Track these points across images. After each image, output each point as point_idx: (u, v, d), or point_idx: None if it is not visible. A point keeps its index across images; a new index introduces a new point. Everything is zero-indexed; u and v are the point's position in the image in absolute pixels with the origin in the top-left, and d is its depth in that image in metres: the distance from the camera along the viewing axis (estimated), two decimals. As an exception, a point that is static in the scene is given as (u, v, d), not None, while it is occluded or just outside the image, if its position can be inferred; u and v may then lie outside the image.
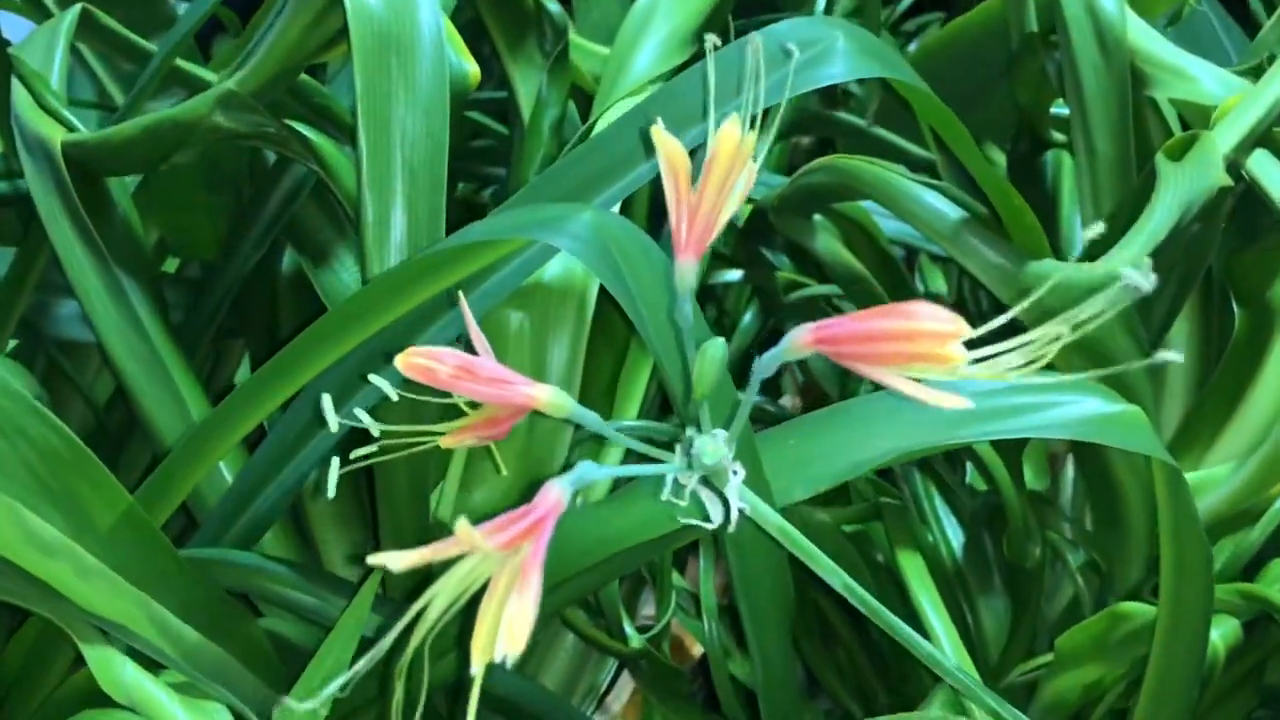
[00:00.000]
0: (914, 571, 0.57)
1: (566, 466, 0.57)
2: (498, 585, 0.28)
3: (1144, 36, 0.65)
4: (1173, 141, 0.59)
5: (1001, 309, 0.30)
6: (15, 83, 0.62)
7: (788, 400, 0.86)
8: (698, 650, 0.71)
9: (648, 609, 0.71)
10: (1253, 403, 0.63)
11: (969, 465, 0.70)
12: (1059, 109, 0.77)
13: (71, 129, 0.60)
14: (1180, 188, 0.56)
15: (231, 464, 0.58)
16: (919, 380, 0.28)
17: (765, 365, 0.29)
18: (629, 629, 0.60)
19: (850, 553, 0.57)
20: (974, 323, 0.28)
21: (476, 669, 0.28)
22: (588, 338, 0.54)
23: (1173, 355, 0.29)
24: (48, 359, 0.67)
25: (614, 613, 0.60)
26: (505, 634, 0.26)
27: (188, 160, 0.59)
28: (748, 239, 0.73)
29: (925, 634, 0.56)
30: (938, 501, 0.68)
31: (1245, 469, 0.60)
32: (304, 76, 0.58)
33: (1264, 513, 0.59)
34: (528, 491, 0.52)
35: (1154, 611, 0.50)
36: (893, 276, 0.64)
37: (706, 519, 0.32)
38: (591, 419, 0.31)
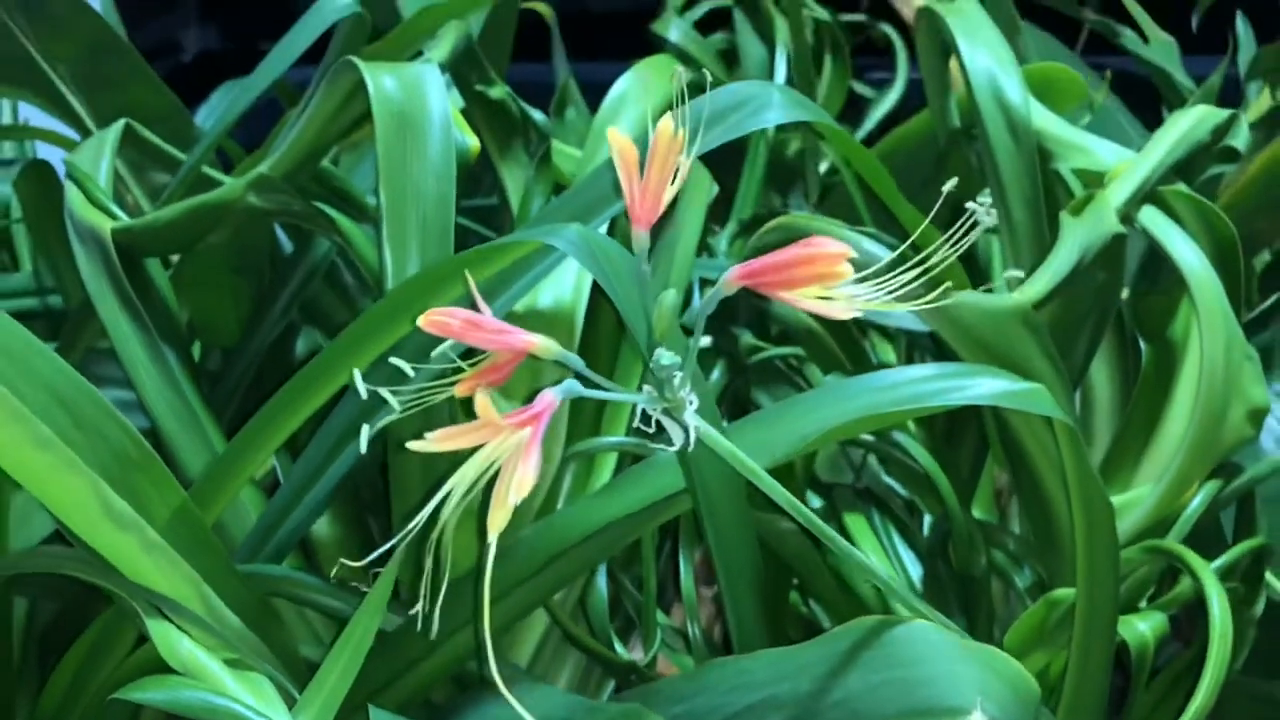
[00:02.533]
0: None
1: (562, 466, 0.64)
2: (508, 471, 0.35)
3: (1048, 121, 0.76)
4: (1074, 202, 0.69)
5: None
6: (68, 184, 0.71)
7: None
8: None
9: (636, 653, 0.77)
10: (1166, 428, 0.71)
11: (924, 517, 0.78)
12: (985, 198, 0.88)
13: (117, 219, 0.69)
14: (1079, 235, 0.66)
15: (254, 504, 0.65)
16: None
17: (708, 302, 0.38)
18: (620, 648, 0.66)
19: (809, 554, 0.63)
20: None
21: (493, 536, 0.35)
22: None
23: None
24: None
25: (604, 635, 0.66)
26: (514, 488, 0.33)
27: (221, 240, 0.67)
28: (714, 314, 0.82)
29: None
30: (896, 538, 0.76)
31: (1161, 484, 0.68)
32: (325, 164, 0.68)
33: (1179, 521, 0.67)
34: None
35: (1080, 593, 0.57)
36: (844, 334, 0.73)
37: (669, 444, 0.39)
38: (575, 361, 0.39)
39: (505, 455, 0.35)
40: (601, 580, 0.69)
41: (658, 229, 0.40)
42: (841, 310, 0.36)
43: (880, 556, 0.70)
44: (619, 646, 0.66)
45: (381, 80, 0.57)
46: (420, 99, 0.57)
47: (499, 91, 0.76)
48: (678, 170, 0.38)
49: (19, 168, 0.83)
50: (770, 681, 0.44)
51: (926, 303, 0.38)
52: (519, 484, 0.34)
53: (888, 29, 1.50)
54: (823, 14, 1.27)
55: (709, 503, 0.49)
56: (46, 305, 0.93)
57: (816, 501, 0.73)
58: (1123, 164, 0.70)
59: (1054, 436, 0.62)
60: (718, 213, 1.04)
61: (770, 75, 1.13)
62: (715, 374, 0.79)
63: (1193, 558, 0.57)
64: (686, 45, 1.11)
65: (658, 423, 0.39)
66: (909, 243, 0.40)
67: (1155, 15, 1.44)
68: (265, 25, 1.06)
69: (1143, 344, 0.72)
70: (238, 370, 0.77)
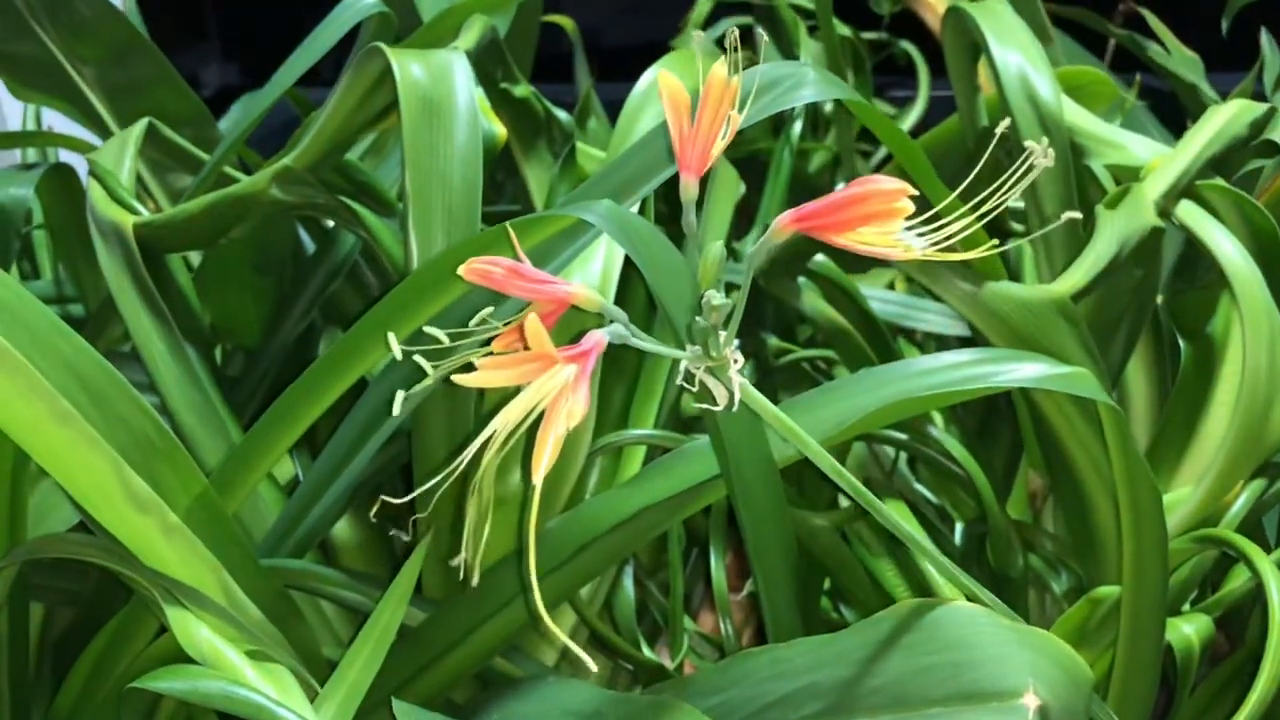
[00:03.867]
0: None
1: (585, 472, 0.63)
2: (552, 415, 0.34)
3: (1079, 116, 0.75)
4: (1110, 195, 0.68)
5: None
6: (91, 181, 0.70)
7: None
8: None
9: (663, 658, 0.75)
10: (1206, 428, 0.70)
11: (956, 525, 0.76)
12: (1016, 203, 0.86)
13: (139, 215, 0.68)
14: (1117, 227, 0.64)
15: (274, 504, 0.64)
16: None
17: (756, 254, 0.36)
18: (647, 650, 0.64)
19: (843, 552, 0.62)
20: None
21: (537, 480, 0.34)
22: (600, 372, 0.61)
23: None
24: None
25: (631, 636, 0.64)
26: (565, 417, 0.32)
27: (243, 235, 0.67)
28: (741, 317, 0.81)
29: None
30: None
31: (1202, 485, 0.66)
32: (348, 158, 0.67)
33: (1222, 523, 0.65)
34: (555, 476, 0.58)
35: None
36: (871, 327, 0.71)
37: (714, 403, 0.38)
38: (619, 314, 0.37)
39: (550, 396, 0.34)
40: (628, 582, 0.67)
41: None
42: (898, 253, 0.35)
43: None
44: (646, 650, 0.65)
45: (408, 66, 0.56)
46: (447, 85, 0.57)
47: (523, 90, 0.75)
48: (728, 123, 0.37)
49: (41, 172, 0.83)
50: (808, 669, 0.43)
51: (982, 251, 0.37)
52: (570, 414, 0.33)
53: (909, 46, 1.50)
54: (844, 30, 1.27)
55: (743, 487, 0.47)
56: (67, 313, 0.92)
57: (845, 503, 0.72)
58: (1158, 159, 0.69)
59: (1094, 432, 0.61)
60: (741, 226, 1.04)
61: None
62: (743, 377, 0.77)
63: (1248, 545, 0.55)
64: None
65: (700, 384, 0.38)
66: (953, 197, 0.38)
67: (1179, 34, 1.44)
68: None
69: (1181, 342, 0.70)
70: (259, 370, 0.76)
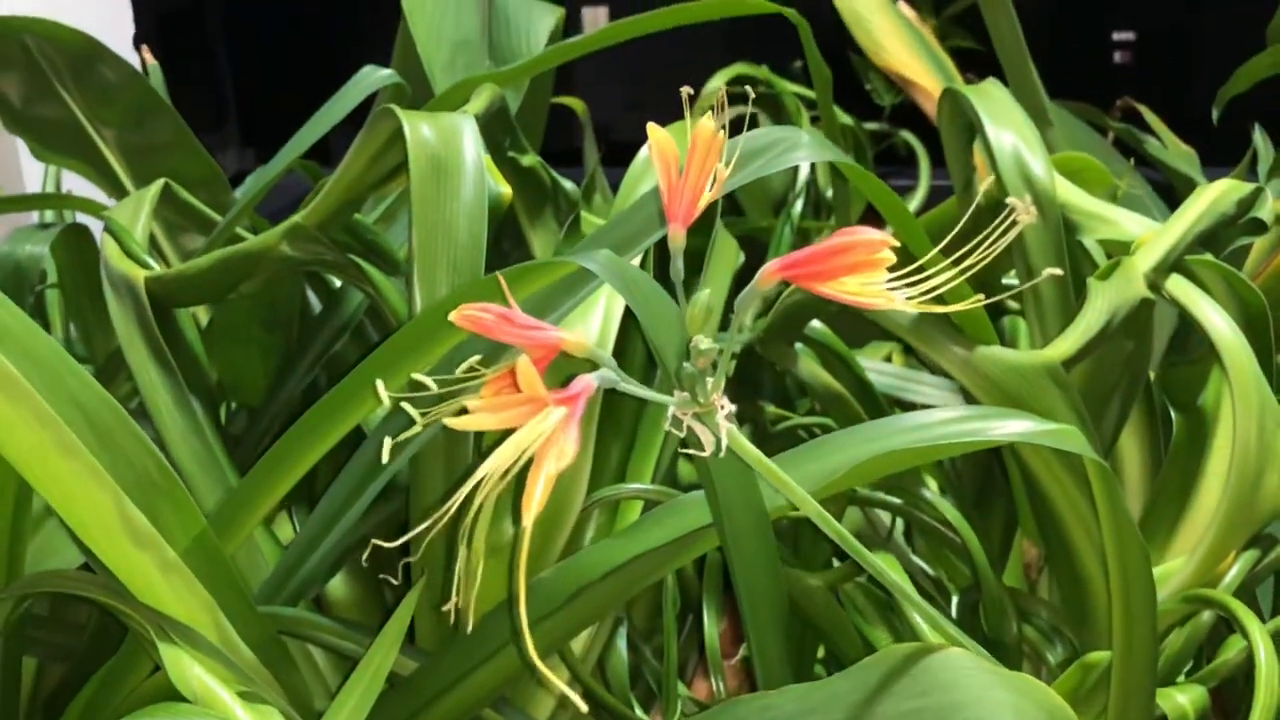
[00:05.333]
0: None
1: (581, 528, 0.63)
2: (542, 457, 0.35)
3: (1072, 192, 0.77)
4: (1101, 268, 0.69)
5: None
6: (105, 236, 0.72)
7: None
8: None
9: (655, 724, 0.75)
10: (1199, 500, 0.70)
11: (952, 597, 0.76)
12: (1009, 280, 0.88)
13: (151, 270, 0.70)
14: (1108, 298, 0.65)
15: (271, 556, 0.64)
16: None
17: (744, 300, 0.37)
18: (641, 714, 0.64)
19: (836, 614, 0.62)
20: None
21: (527, 521, 0.34)
22: (597, 429, 0.62)
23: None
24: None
25: (624, 696, 0.64)
26: (554, 456, 0.33)
27: (253, 290, 0.68)
28: (739, 384, 0.82)
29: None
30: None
31: (1196, 556, 0.66)
32: (357, 217, 0.68)
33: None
34: (550, 525, 0.59)
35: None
36: (866, 393, 0.72)
37: (701, 448, 0.39)
38: (608, 361, 0.38)
39: (539, 439, 0.35)
40: (622, 643, 0.67)
41: (688, 285, 0.41)
42: (880, 301, 0.36)
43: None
44: (640, 713, 0.65)
45: (418, 126, 0.58)
46: (455, 144, 0.58)
47: (530, 160, 0.77)
48: (715, 176, 0.38)
49: (57, 231, 0.85)
50: (797, 714, 0.43)
51: (969, 304, 0.38)
52: (560, 454, 0.33)
53: (909, 136, 1.54)
54: (846, 120, 1.30)
55: (735, 537, 0.48)
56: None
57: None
58: (1149, 234, 0.70)
59: (1086, 497, 0.62)
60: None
61: (795, 178, 1.15)
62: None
63: (1238, 605, 0.56)
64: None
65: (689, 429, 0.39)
66: (941, 246, 0.40)
67: (1175, 131, 1.47)
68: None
69: (1174, 414, 0.71)
70: (261, 427, 0.77)
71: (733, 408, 0.39)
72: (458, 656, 0.52)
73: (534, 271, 0.51)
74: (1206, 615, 0.66)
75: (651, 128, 0.38)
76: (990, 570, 0.64)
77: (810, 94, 1.22)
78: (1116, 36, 1.95)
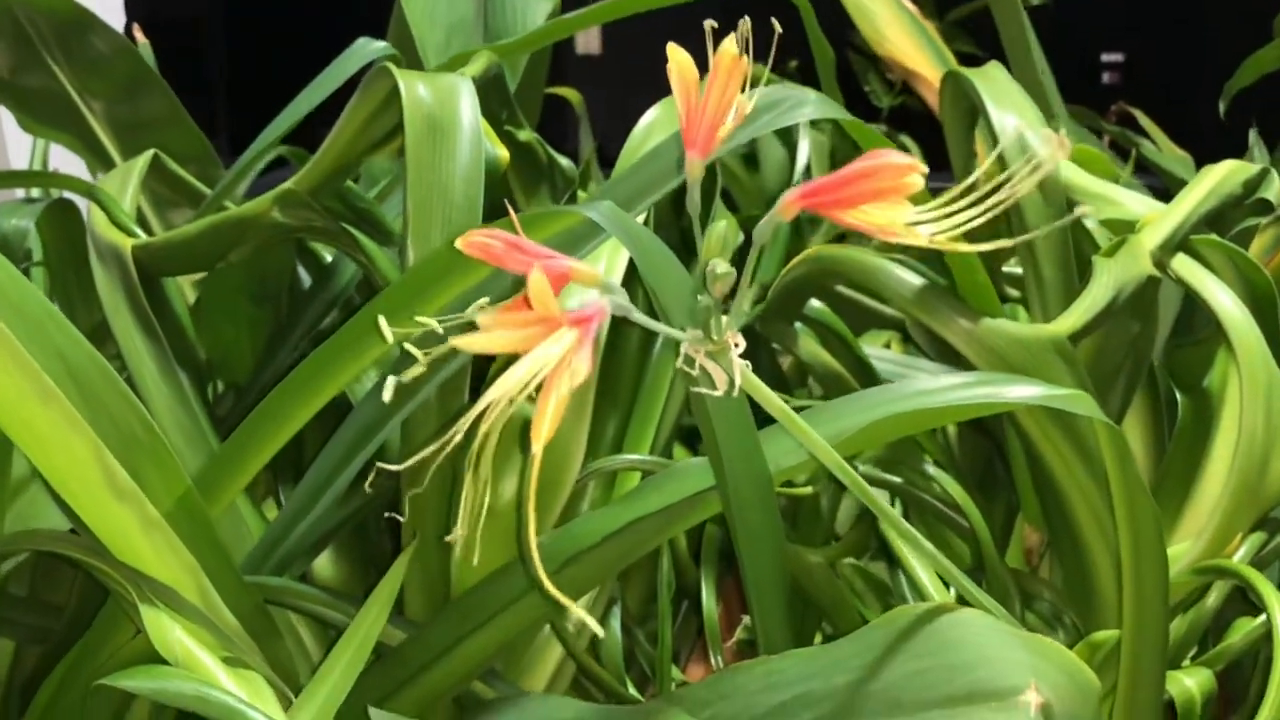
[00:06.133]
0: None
1: (577, 500, 0.61)
2: (553, 381, 0.33)
3: (1076, 174, 0.75)
4: (1107, 247, 0.68)
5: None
6: (92, 206, 0.71)
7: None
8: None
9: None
10: (1204, 484, 0.69)
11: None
12: (1011, 269, 0.87)
13: (138, 238, 0.69)
14: (1113, 274, 0.64)
15: (258, 531, 0.62)
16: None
17: (761, 231, 0.36)
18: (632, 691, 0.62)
19: (837, 591, 0.60)
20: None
21: (537, 449, 0.33)
22: (595, 401, 0.61)
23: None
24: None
25: (617, 673, 0.63)
26: (568, 375, 0.31)
27: (242, 259, 0.66)
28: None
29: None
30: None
31: (1201, 540, 0.65)
32: (350, 184, 0.67)
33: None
34: (545, 493, 0.57)
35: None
36: (867, 375, 0.71)
37: (713, 387, 0.37)
38: (619, 290, 0.37)
39: (552, 362, 0.33)
40: (615, 624, 0.66)
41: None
42: (906, 235, 0.34)
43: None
44: (634, 693, 0.63)
45: (414, 85, 0.57)
46: (452, 104, 0.57)
47: (527, 135, 0.76)
48: (735, 105, 0.37)
49: (43, 206, 0.83)
50: (801, 679, 0.41)
51: (988, 246, 0.36)
52: (573, 374, 0.32)
53: (907, 140, 1.53)
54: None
55: (739, 501, 0.46)
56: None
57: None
58: (1154, 213, 0.69)
59: (1092, 475, 0.60)
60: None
61: (790, 175, 1.14)
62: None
63: (1254, 575, 0.54)
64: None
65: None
66: (962, 187, 0.38)
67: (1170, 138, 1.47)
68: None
69: (1179, 397, 0.70)
70: (248, 402, 0.75)
71: (744, 344, 0.37)
72: (448, 625, 0.51)
73: (536, 221, 0.50)
74: (1212, 599, 0.65)
75: (672, 48, 0.36)
76: (993, 547, 0.62)
77: (824, 117, 1.21)
78: (1105, 57, 1.96)
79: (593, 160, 1.08)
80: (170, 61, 1.07)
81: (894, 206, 0.35)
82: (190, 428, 0.64)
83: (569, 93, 1.21)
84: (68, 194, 0.97)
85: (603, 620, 0.66)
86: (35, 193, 0.95)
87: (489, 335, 0.33)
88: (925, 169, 0.34)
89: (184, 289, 0.80)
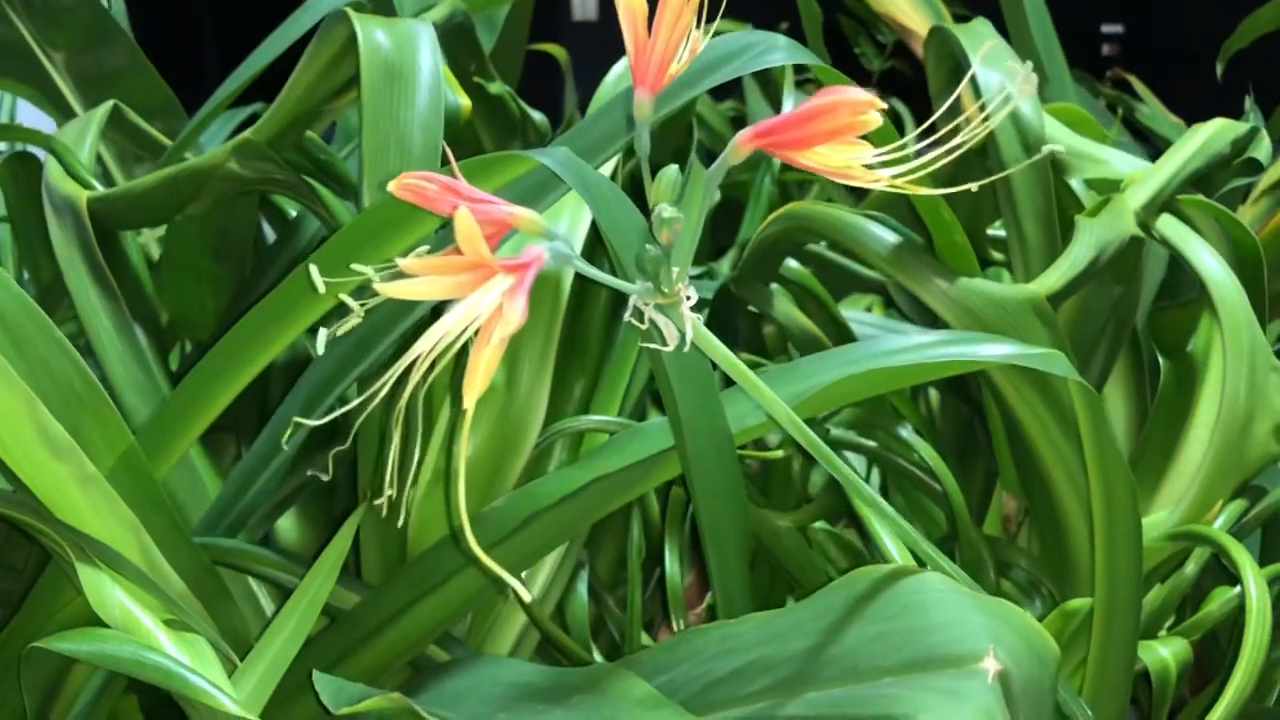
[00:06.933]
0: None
1: (542, 464, 0.60)
2: (488, 332, 0.32)
3: (1060, 133, 0.74)
4: (1090, 206, 0.66)
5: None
6: (48, 158, 0.69)
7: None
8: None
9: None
10: (1186, 450, 0.67)
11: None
12: (995, 231, 0.85)
13: (94, 190, 0.67)
14: (1095, 233, 0.63)
15: (214, 488, 0.61)
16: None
17: (715, 173, 0.34)
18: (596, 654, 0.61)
19: (806, 555, 0.59)
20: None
21: (469, 402, 0.31)
22: (558, 363, 0.59)
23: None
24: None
25: (583, 640, 0.61)
26: (501, 321, 0.30)
27: (200, 212, 0.64)
28: (713, 330, 0.79)
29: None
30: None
31: (1181, 506, 0.64)
32: (311, 135, 0.65)
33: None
34: (504, 454, 0.56)
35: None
36: (844, 337, 0.69)
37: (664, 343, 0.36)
38: (565, 239, 0.35)
39: (486, 313, 0.32)
40: (582, 588, 0.64)
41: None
42: (865, 177, 0.33)
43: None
44: (599, 659, 0.62)
45: (372, 30, 0.55)
46: (410, 51, 0.55)
47: (498, 88, 0.74)
48: (688, 42, 0.35)
49: (2, 158, 0.81)
50: (758, 643, 0.40)
51: (950, 189, 0.35)
52: (506, 322, 0.30)
53: (897, 103, 1.51)
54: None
55: (699, 461, 0.45)
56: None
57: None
58: (1139, 172, 0.67)
59: (1069, 440, 0.59)
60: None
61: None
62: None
63: (1229, 541, 0.53)
64: (698, 108, 1.10)
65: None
66: (932, 121, 0.36)
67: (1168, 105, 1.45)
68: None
69: (1162, 361, 0.68)
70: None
71: (696, 297, 0.36)
72: (401, 589, 0.49)
73: (487, 167, 0.48)
74: (1191, 568, 0.63)
75: (618, -13, 0.35)
76: (966, 513, 0.61)
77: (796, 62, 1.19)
78: (1105, 28, 1.94)
79: (576, 118, 1.05)
80: (159, 16, 1.05)
81: (852, 147, 0.33)
82: (146, 384, 0.62)
83: (554, 49, 1.18)
84: (31, 148, 0.95)
85: (569, 585, 0.65)
86: (2, 146, 0.93)
87: (418, 282, 0.31)
88: (884, 105, 0.32)
89: (148, 248, 0.78)
